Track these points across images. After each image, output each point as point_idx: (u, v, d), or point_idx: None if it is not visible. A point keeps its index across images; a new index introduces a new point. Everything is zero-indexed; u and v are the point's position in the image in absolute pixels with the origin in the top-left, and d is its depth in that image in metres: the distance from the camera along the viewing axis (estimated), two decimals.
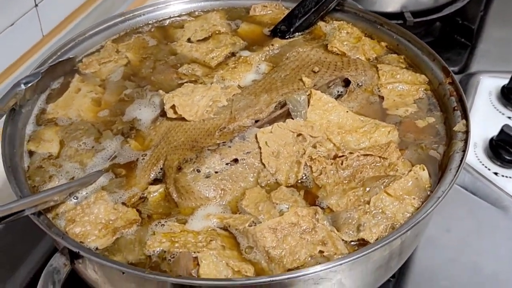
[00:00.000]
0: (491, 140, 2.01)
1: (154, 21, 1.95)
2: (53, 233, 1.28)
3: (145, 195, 1.42)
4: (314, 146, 1.48)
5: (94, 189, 1.43)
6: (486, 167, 1.98)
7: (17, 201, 1.25)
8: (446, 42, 2.50)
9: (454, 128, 1.49)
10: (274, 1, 1.99)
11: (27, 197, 1.30)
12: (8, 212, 1.20)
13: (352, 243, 1.31)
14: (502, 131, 1.96)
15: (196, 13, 1.98)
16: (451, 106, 1.56)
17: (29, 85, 1.54)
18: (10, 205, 1.22)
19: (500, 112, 2.18)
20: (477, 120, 2.12)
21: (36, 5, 2.22)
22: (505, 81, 2.21)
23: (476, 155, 2.01)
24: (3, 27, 2.08)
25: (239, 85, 1.69)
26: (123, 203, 1.40)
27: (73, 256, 1.28)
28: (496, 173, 1.96)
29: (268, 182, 1.44)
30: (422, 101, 1.64)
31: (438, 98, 1.63)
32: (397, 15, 2.37)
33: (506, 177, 1.94)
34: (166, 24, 1.95)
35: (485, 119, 2.15)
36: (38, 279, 1.25)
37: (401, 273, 1.66)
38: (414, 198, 1.37)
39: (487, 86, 2.28)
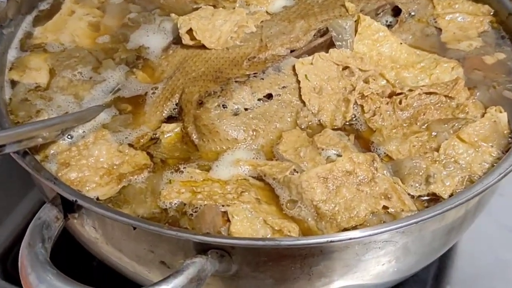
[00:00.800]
0: None
1: None
2: (43, 177, 1.00)
3: (157, 135, 1.15)
4: (366, 81, 1.20)
5: (93, 127, 1.16)
6: None
7: None
8: None
9: None
10: None
11: (8, 129, 1.01)
12: None
13: (421, 198, 1.04)
14: None
15: None
16: None
17: None
18: None
19: None
20: None
21: None
22: None
23: None
24: None
25: (267, 11, 1.40)
26: (130, 145, 1.13)
27: (68, 208, 1.00)
28: None
29: (310, 123, 1.17)
30: (488, 35, 1.37)
31: (509, 31, 1.36)
32: None
33: None
34: None
35: None
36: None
37: None
38: (492, 146, 1.11)
39: None
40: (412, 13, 1.40)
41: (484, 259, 1.45)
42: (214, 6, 1.41)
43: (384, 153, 1.12)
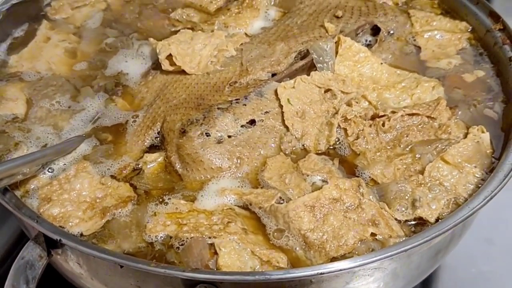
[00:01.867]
0: None
1: None
2: (24, 215, 0.98)
3: (140, 165, 1.13)
4: (349, 104, 1.20)
5: (74, 158, 1.14)
6: None
7: None
8: None
9: None
10: None
11: None
12: None
13: (408, 222, 1.04)
14: None
15: None
16: (505, 56, 1.30)
17: None
18: None
19: None
20: None
21: None
22: None
23: None
24: None
25: (246, 33, 1.40)
26: (113, 176, 1.12)
27: (51, 245, 0.98)
28: None
29: (294, 148, 1.17)
30: (467, 52, 1.38)
31: (486, 48, 1.37)
32: None
33: None
34: None
35: None
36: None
37: None
38: (475, 166, 1.11)
39: None
40: (391, 32, 1.40)
41: (466, 271, 1.46)
42: (192, 29, 1.40)
43: (369, 177, 1.11)
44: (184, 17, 1.44)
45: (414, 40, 1.40)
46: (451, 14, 1.46)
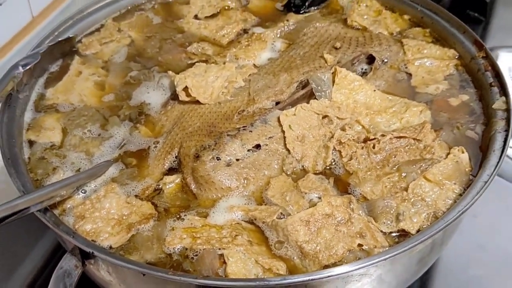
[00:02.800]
0: None
1: None
2: (62, 231, 1.16)
3: (160, 186, 1.30)
4: (343, 129, 1.35)
5: (103, 181, 1.31)
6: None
7: (21, 197, 1.12)
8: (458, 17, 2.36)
9: (493, 106, 1.37)
10: None
11: (32, 192, 1.16)
12: (12, 211, 1.08)
13: (392, 234, 1.19)
14: None
15: None
16: (487, 82, 1.44)
17: (28, 67, 1.41)
18: (14, 202, 1.09)
19: None
20: None
21: None
22: None
23: None
24: None
25: (254, 64, 1.56)
26: (137, 196, 1.28)
27: (85, 256, 1.15)
28: None
29: (294, 169, 1.32)
30: (453, 78, 1.52)
31: (471, 74, 1.51)
32: None
33: None
34: (170, 0, 1.80)
35: None
36: (39, 280, 1.11)
37: None
38: (455, 183, 1.25)
39: (506, 61, 2.15)
40: (385, 60, 1.55)
41: (460, 276, 1.59)
42: (206, 61, 1.57)
43: (360, 193, 1.26)
44: (199, 50, 1.61)
45: (406, 67, 1.54)
46: (441, 42, 1.61)
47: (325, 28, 1.64)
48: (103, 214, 1.23)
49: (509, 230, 1.68)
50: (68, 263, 1.14)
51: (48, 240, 1.61)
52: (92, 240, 1.18)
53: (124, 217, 1.23)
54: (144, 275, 1.08)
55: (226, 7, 1.76)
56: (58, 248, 1.57)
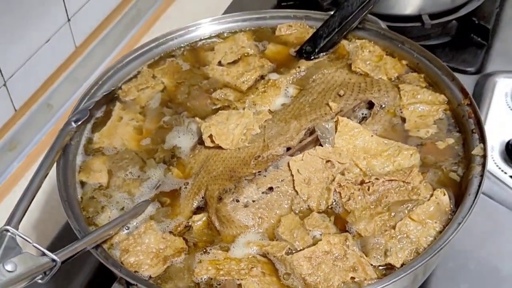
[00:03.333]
0: (508, 143, 2.11)
1: (185, 44, 2.06)
2: (111, 265, 1.43)
3: (189, 223, 1.56)
4: (342, 173, 1.60)
5: (143, 219, 1.57)
6: (502, 170, 2.08)
7: (79, 241, 1.39)
8: (463, 42, 2.56)
9: (472, 152, 1.60)
10: (299, 20, 2.08)
11: (88, 235, 1.43)
12: (72, 253, 1.35)
13: (380, 267, 1.44)
14: None
15: (225, 34, 2.09)
16: (469, 128, 1.66)
17: (79, 123, 1.67)
18: (74, 245, 1.36)
19: None
20: (493, 123, 2.21)
21: (69, 20, 2.32)
22: None
23: (492, 158, 2.11)
24: (39, 44, 2.19)
25: (269, 110, 1.80)
26: (171, 232, 1.54)
27: (130, 285, 1.43)
28: None
29: (301, 208, 1.57)
30: (442, 122, 1.74)
31: (457, 119, 1.73)
32: (415, 18, 2.45)
33: None
34: (197, 47, 2.06)
35: (501, 121, 2.23)
36: None
37: None
38: (436, 222, 1.49)
39: (504, 87, 2.35)
40: (383, 106, 1.78)
41: None
42: (229, 107, 1.83)
43: (356, 231, 1.51)
44: (222, 96, 1.86)
45: (401, 112, 1.77)
46: (434, 87, 1.83)
47: (331, 74, 1.88)
48: (144, 248, 1.49)
49: (499, 248, 1.90)
50: None
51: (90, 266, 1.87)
52: (135, 271, 1.46)
53: (160, 251, 1.50)
54: None
55: (246, 54, 2.00)
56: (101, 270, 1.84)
